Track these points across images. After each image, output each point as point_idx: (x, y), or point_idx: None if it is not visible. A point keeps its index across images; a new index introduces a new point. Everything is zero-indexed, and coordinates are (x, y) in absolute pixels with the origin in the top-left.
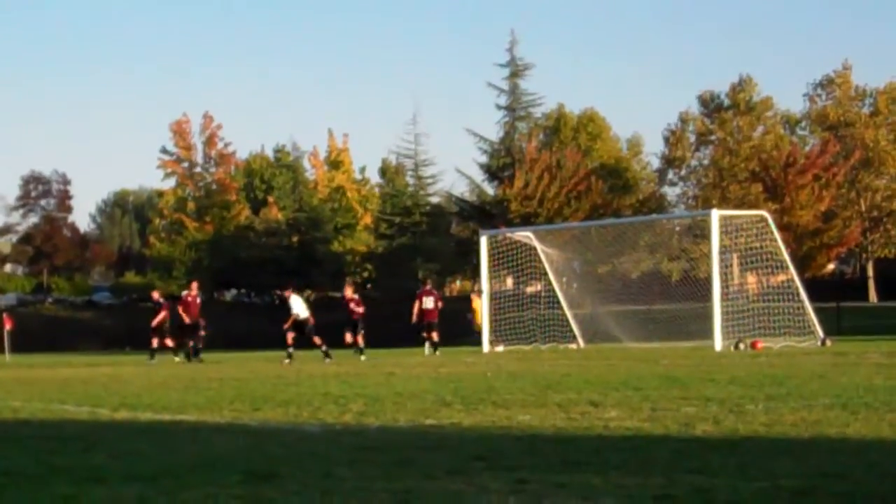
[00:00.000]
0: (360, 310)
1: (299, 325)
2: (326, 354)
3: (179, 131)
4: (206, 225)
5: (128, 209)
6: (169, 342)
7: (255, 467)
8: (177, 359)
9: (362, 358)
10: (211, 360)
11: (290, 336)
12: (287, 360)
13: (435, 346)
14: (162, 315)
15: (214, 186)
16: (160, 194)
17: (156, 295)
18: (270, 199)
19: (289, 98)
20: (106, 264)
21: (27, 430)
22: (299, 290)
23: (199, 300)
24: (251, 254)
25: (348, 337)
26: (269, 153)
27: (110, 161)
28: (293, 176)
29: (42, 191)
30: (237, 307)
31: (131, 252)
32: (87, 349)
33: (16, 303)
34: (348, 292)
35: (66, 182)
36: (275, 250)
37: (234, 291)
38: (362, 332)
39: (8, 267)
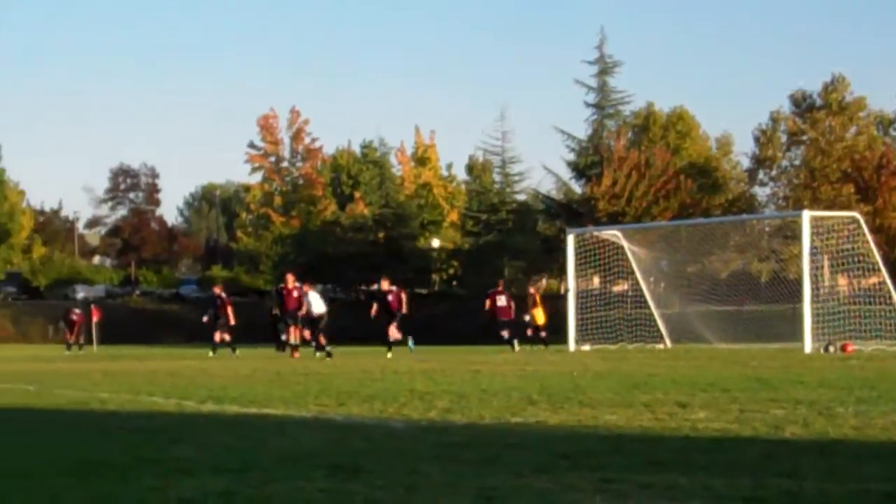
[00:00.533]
0: (397, 302)
1: (314, 321)
2: (328, 354)
3: (266, 126)
4: (293, 219)
5: (215, 203)
6: (227, 337)
7: (341, 462)
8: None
9: (388, 355)
10: (301, 354)
11: (305, 333)
12: (322, 355)
13: (511, 342)
14: (211, 313)
15: (301, 181)
16: (247, 188)
17: (217, 290)
18: (357, 194)
19: (376, 94)
20: (193, 257)
21: (115, 422)
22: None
23: (295, 293)
24: (337, 249)
25: (394, 332)
26: (356, 149)
27: (198, 155)
28: (380, 172)
29: (131, 184)
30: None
31: (218, 245)
32: (174, 342)
33: (104, 294)
34: (384, 285)
35: (154, 175)
36: (361, 246)
37: (319, 286)
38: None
39: (96, 259)
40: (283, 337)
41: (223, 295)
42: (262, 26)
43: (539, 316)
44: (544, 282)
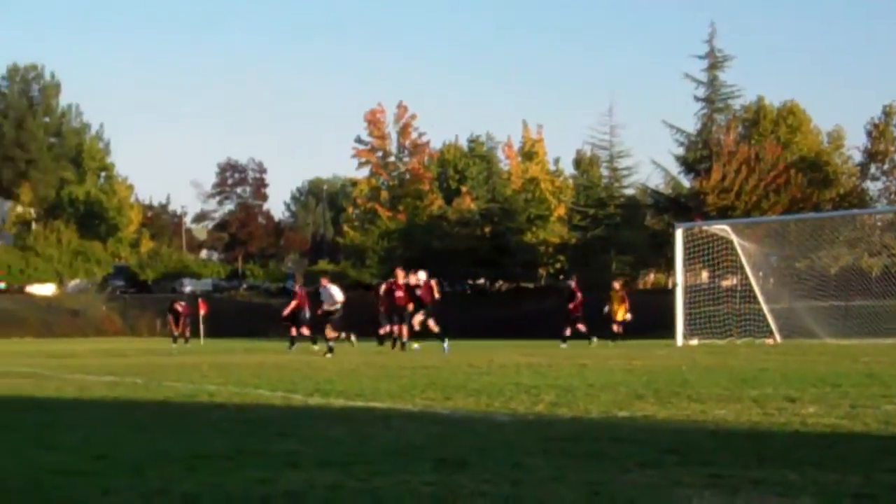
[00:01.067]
0: (429, 294)
1: (328, 314)
2: (330, 349)
3: (374, 121)
4: (399, 214)
5: (322, 197)
6: (305, 331)
7: (447, 455)
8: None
9: (415, 346)
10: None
11: (327, 328)
12: (323, 349)
13: (587, 336)
14: (294, 304)
15: (408, 176)
16: (354, 183)
17: (296, 285)
18: (464, 189)
19: (483, 88)
20: (299, 252)
21: (222, 414)
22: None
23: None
24: (443, 243)
25: (432, 325)
26: (463, 143)
27: (306, 150)
28: (487, 166)
29: (238, 178)
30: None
31: (324, 240)
32: (280, 335)
33: (211, 288)
34: (400, 277)
35: (261, 170)
36: (467, 240)
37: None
38: (410, 321)
39: (204, 253)
40: (382, 331)
41: (297, 289)
42: (371, 22)
43: (621, 312)
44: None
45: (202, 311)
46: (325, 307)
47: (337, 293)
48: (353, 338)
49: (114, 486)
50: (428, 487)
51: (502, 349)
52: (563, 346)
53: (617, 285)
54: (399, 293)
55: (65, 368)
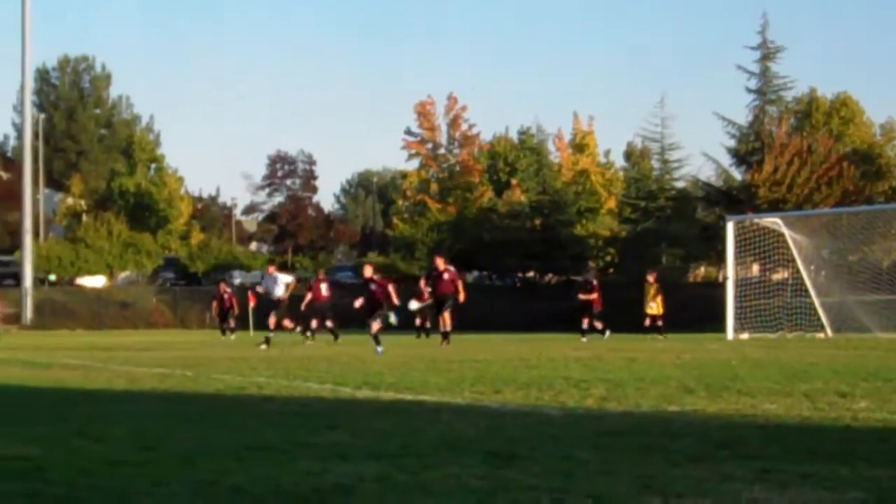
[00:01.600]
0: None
1: (275, 304)
2: (266, 340)
3: (424, 113)
4: (449, 206)
5: (371, 190)
6: (329, 323)
7: (496, 449)
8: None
9: (444, 345)
10: (451, 341)
11: (271, 317)
12: (309, 342)
13: (596, 330)
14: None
15: (458, 168)
16: (404, 175)
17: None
18: (514, 181)
19: (534, 80)
20: (349, 244)
21: (272, 406)
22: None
23: (446, 275)
24: (493, 236)
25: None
26: (514, 135)
27: (355, 142)
28: (537, 158)
29: (288, 170)
30: (479, 289)
31: (374, 232)
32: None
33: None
34: (440, 265)
35: (311, 162)
36: (517, 233)
37: (475, 273)
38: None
39: (253, 245)
40: (418, 322)
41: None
42: (421, 13)
43: (655, 305)
44: (706, 268)
45: (251, 304)
46: (273, 296)
47: (282, 282)
48: (309, 333)
49: (164, 477)
50: (478, 481)
51: (552, 342)
52: (584, 339)
53: (651, 278)
54: (442, 279)
55: (115, 360)
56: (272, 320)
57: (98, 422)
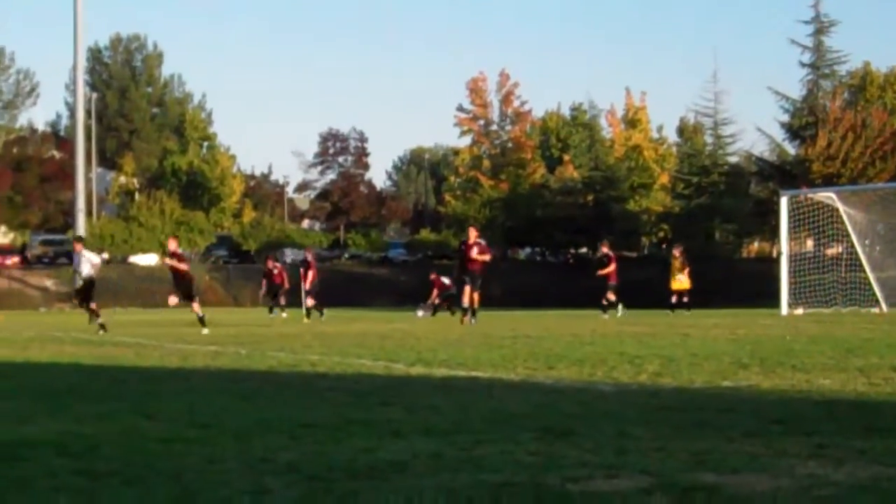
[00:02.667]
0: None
1: (85, 284)
2: (101, 326)
3: (476, 89)
4: (502, 183)
5: (423, 166)
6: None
7: (550, 424)
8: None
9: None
10: (503, 317)
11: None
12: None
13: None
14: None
15: (510, 144)
16: (456, 152)
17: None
18: (566, 157)
19: (586, 56)
20: (401, 221)
21: (325, 384)
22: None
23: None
24: (546, 212)
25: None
26: (566, 111)
27: (407, 119)
28: (589, 134)
29: (340, 148)
30: (531, 265)
31: (426, 209)
32: (382, 305)
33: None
34: (472, 237)
35: (363, 139)
36: (569, 209)
37: (528, 249)
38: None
39: (306, 223)
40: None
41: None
42: None
43: (684, 278)
44: (760, 243)
45: (304, 282)
46: (83, 275)
47: (89, 260)
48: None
49: (218, 454)
50: (531, 457)
51: (605, 318)
52: (605, 316)
53: (676, 252)
54: (470, 254)
55: (167, 338)
56: (94, 305)
57: (151, 399)
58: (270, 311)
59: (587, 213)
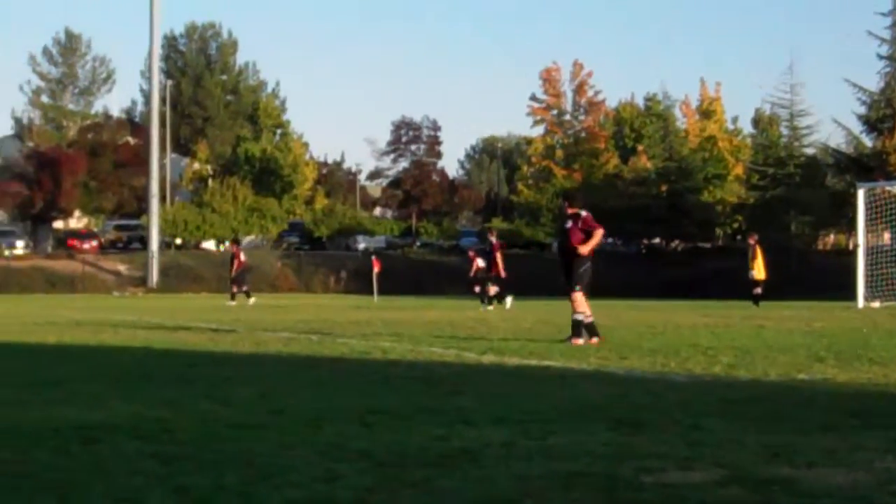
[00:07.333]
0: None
1: None
2: None
3: (549, 79)
4: (575, 173)
5: (496, 155)
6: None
7: (622, 415)
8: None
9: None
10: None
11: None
12: None
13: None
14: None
15: (583, 134)
16: (529, 141)
17: (492, 236)
18: (640, 147)
19: (660, 46)
20: (473, 210)
21: (396, 371)
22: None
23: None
24: (619, 202)
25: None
26: (640, 102)
27: (480, 108)
28: (663, 125)
29: (412, 136)
30: (603, 255)
31: (498, 198)
32: (453, 293)
33: (385, 246)
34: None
35: (436, 128)
36: (643, 199)
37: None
38: None
39: (377, 210)
40: (477, 289)
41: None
42: None
43: (757, 269)
44: (836, 236)
45: (376, 269)
46: None
47: None
48: None
49: (290, 440)
50: (603, 447)
51: (678, 309)
52: (489, 308)
53: (751, 240)
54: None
55: (240, 323)
56: None
57: (224, 385)
58: (232, 297)
59: (661, 204)
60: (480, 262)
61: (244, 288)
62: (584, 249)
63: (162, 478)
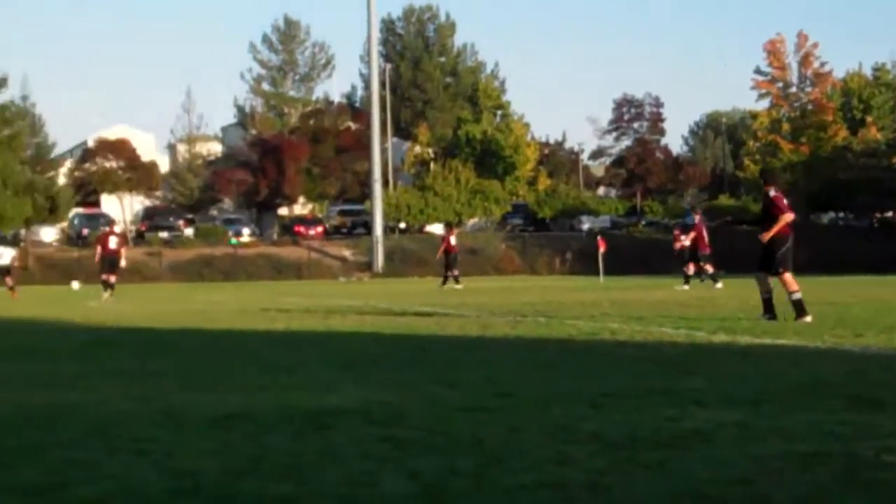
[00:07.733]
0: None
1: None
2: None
3: (773, 51)
4: (802, 146)
5: (720, 131)
6: (708, 268)
7: (859, 394)
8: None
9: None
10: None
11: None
12: None
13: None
14: (692, 236)
15: (810, 107)
16: (754, 116)
17: (696, 216)
18: (869, 118)
19: (889, 13)
20: (699, 187)
21: (624, 352)
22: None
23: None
24: (848, 175)
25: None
26: (868, 72)
27: (703, 83)
28: (893, 95)
29: (635, 114)
30: (833, 230)
31: (724, 174)
32: (679, 273)
33: (609, 225)
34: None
35: (658, 105)
36: (874, 171)
37: (830, 214)
38: None
39: (601, 190)
40: (688, 272)
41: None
42: None
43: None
44: None
45: (601, 249)
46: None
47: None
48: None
49: (519, 423)
50: (841, 426)
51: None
52: (685, 287)
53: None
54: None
55: (466, 307)
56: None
57: (452, 368)
58: (106, 287)
59: (892, 176)
60: (685, 241)
61: (454, 272)
62: (765, 237)
63: (394, 462)
